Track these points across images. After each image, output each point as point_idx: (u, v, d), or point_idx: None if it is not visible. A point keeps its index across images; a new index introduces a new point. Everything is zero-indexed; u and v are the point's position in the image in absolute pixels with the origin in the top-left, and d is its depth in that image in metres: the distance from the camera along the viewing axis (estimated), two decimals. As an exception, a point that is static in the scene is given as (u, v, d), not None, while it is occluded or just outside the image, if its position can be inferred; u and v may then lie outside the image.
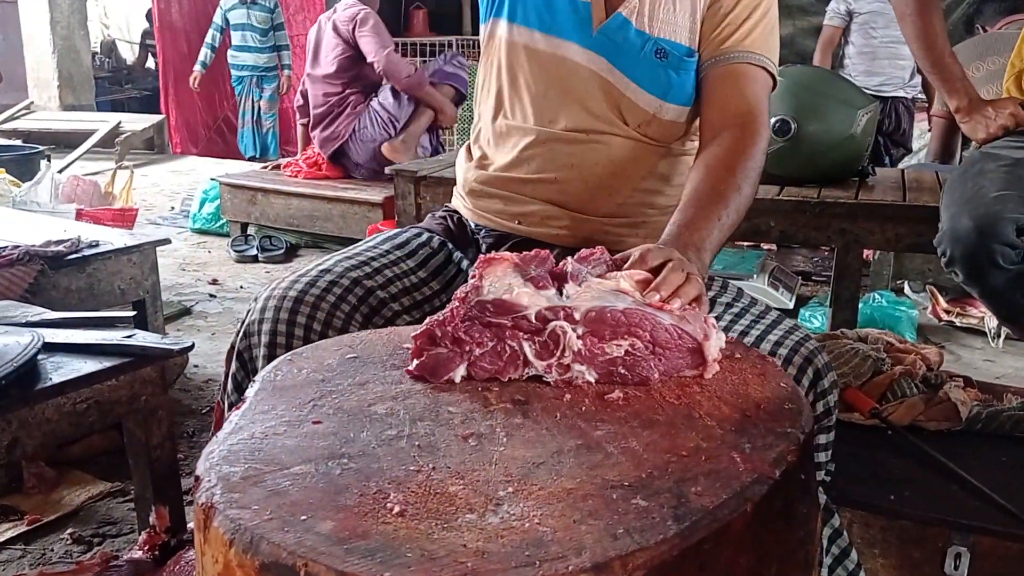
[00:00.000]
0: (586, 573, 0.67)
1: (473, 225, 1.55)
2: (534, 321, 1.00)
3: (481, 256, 1.07)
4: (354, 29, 4.59)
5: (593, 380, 1.01)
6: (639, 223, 1.49)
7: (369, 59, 4.54)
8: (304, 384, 1.01)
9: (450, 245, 1.51)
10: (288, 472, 0.81)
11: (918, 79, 4.98)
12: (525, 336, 1.00)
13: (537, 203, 1.47)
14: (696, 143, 1.48)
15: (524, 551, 0.69)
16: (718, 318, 1.29)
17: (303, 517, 0.73)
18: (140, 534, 1.64)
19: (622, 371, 1.02)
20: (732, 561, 0.78)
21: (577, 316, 1.01)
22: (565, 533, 0.72)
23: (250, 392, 0.99)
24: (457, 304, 1.02)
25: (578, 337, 1.01)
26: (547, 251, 1.09)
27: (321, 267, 1.36)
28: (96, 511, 2.05)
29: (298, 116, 5.26)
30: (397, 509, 0.75)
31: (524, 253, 1.07)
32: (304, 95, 4.94)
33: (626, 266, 1.09)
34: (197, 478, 0.81)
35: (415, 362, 1.01)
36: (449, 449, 0.86)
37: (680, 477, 0.82)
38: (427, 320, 1.02)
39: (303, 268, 1.37)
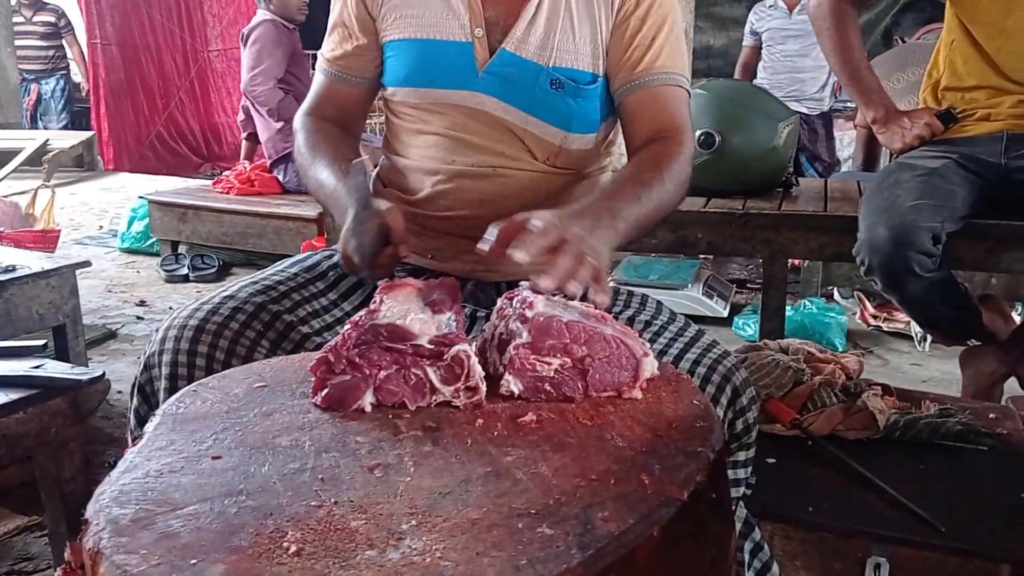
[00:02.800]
0: (485, 609, 0.66)
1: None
2: (428, 346, 0.99)
3: (383, 282, 1.05)
4: (246, 44, 4.53)
5: (518, 391, 1.01)
6: None
7: (245, 76, 4.50)
8: (207, 415, 0.98)
9: None
10: (181, 513, 0.78)
11: (826, 92, 5.12)
12: (428, 362, 0.99)
13: (449, 238, 1.43)
14: (609, 159, 1.49)
15: (423, 588, 0.68)
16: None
17: (193, 561, 0.70)
18: (55, 571, 1.58)
19: (548, 388, 1.02)
20: (641, 586, 0.77)
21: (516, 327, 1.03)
22: (467, 567, 0.70)
23: (149, 427, 0.96)
24: (350, 328, 1.00)
25: (517, 346, 1.01)
26: (454, 279, 1.08)
27: (224, 293, 1.32)
28: (12, 546, 1.97)
29: (241, 131, 5.17)
30: (294, 548, 0.72)
31: (429, 279, 1.06)
32: (246, 110, 4.85)
33: (527, 243, 1.06)
34: (85, 521, 0.78)
35: (320, 394, 0.99)
36: (353, 482, 0.84)
37: (588, 503, 0.81)
38: (323, 348, 1.00)
39: (206, 296, 1.33)
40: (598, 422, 0.97)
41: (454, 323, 1.02)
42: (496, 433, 0.94)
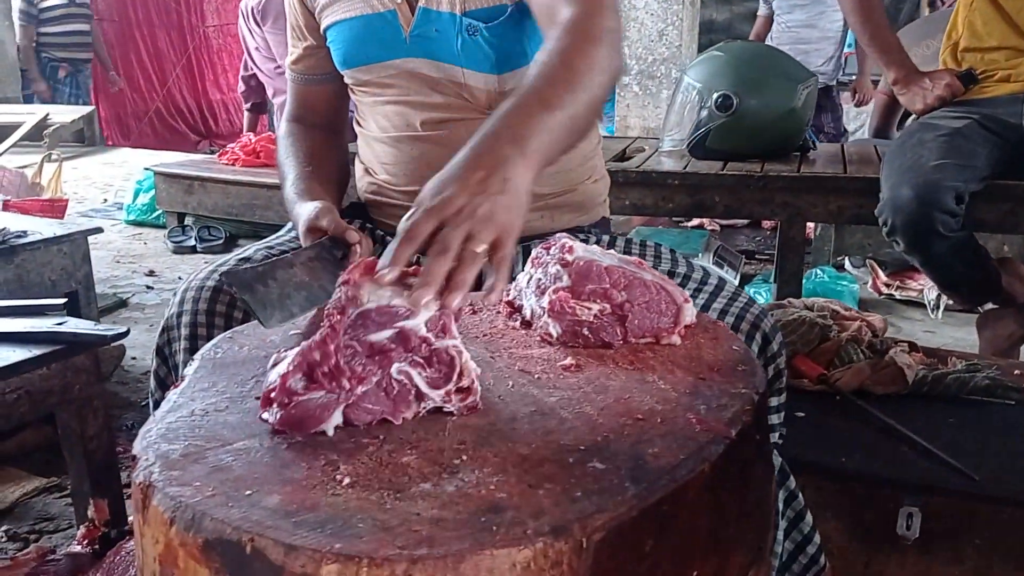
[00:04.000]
0: (544, 537, 0.65)
1: (379, 230, 1.49)
2: (423, 336, 0.83)
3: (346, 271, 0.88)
4: (259, 23, 4.43)
5: (556, 335, 1.00)
6: (541, 205, 1.40)
7: (280, 61, 4.37)
8: (246, 360, 0.97)
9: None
10: (231, 448, 0.77)
11: (832, 65, 5.08)
12: (414, 363, 0.83)
13: None
14: None
15: (480, 517, 0.67)
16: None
17: (248, 492, 0.70)
18: (78, 528, 1.58)
19: (586, 333, 1.00)
20: (691, 522, 0.77)
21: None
22: (522, 498, 0.70)
23: (189, 370, 0.95)
24: (332, 325, 0.82)
25: (557, 289, 1.00)
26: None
27: (240, 256, 1.34)
28: (31, 507, 1.97)
29: (244, 103, 5.13)
30: (347, 481, 0.72)
31: None
32: (246, 80, 4.81)
33: (390, 250, 0.85)
34: (134, 457, 0.77)
35: (274, 411, 0.80)
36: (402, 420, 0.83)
37: (636, 440, 0.80)
38: (297, 351, 0.82)
39: (221, 259, 1.34)
40: (638, 366, 0.96)
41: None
42: (537, 376, 0.94)
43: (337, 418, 0.80)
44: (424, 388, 0.83)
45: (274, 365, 0.83)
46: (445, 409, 0.84)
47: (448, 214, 0.85)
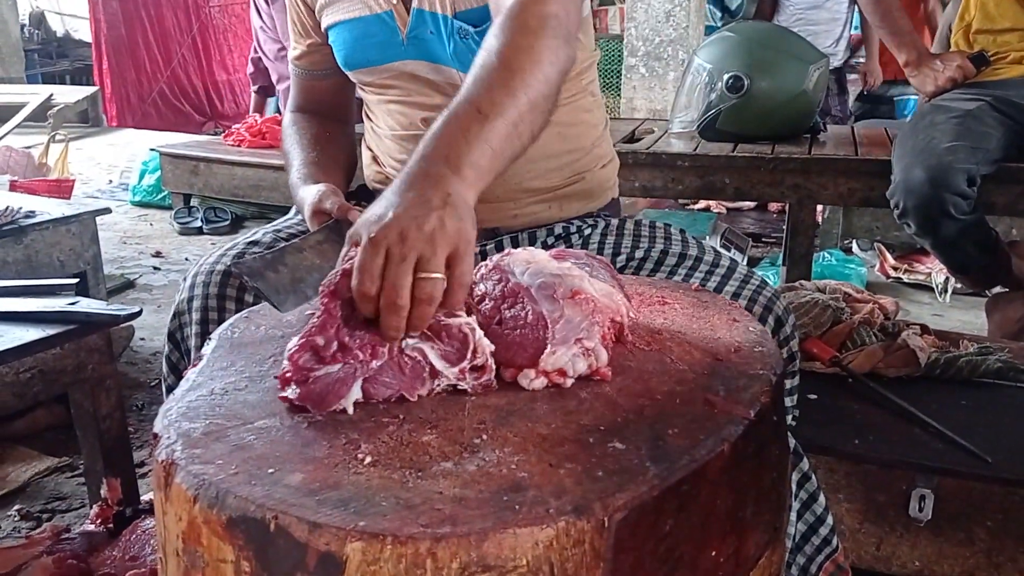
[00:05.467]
0: (567, 516, 0.65)
1: None
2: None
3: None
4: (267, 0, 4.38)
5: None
6: (549, 196, 1.40)
7: (284, 43, 4.32)
8: (264, 340, 0.98)
9: None
10: (252, 426, 0.77)
11: (840, 47, 5.03)
12: (425, 337, 0.82)
13: None
14: (580, 80, 1.38)
15: (502, 496, 0.67)
16: (672, 271, 1.27)
17: (271, 470, 0.70)
18: (91, 508, 1.59)
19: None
20: (710, 502, 0.77)
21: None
22: (543, 478, 0.70)
23: (207, 349, 0.95)
24: (327, 309, 0.80)
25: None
26: None
27: (248, 239, 1.33)
28: (44, 487, 1.98)
29: (251, 84, 5.10)
30: (369, 459, 0.72)
31: None
32: (255, 62, 4.79)
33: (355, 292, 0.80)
34: (155, 435, 0.77)
35: (291, 389, 0.79)
36: (420, 400, 0.83)
37: (655, 420, 0.80)
38: (302, 332, 0.80)
39: (230, 243, 1.33)
40: (655, 348, 0.96)
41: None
42: (554, 357, 0.93)
43: (356, 392, 0.79)
44: (438, 364, 0.81)
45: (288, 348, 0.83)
46: (460, 387, 0.83)
47: (392, 241, 0.79)
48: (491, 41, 1.00)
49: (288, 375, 0.79)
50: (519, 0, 1.03)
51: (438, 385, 0.82)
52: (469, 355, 0.82)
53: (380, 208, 0.83)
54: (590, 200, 1.45)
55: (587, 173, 1.42)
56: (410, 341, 0.81)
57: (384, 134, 1.44)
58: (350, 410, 0.78)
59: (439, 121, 0.92)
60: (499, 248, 1.34)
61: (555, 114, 1.33)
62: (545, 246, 1.33)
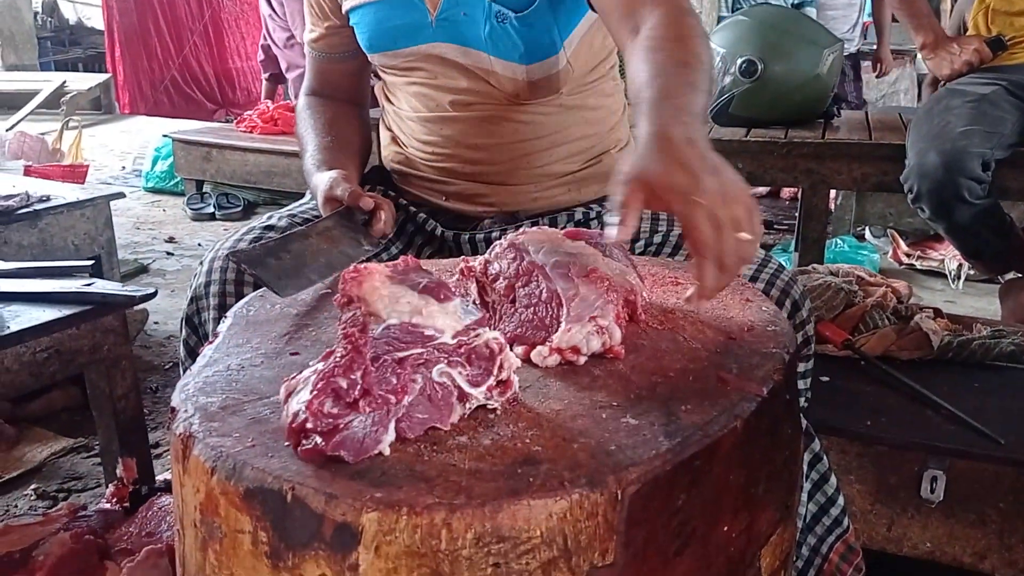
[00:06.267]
0: (580, 488, 0.66)
1: (403, 198, 1.47)
2: (453, 341, 0.77)
3: (344, 276, 0.80)
4: None
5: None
6: (569, 179, 1.41)
7: (293, 31, 4.30)
8: (279, 318, 0.98)
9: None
10: (268, 401, 0.78)
11: (856, 33, 4.99)
12: (452, 363, 0.76)
13: (460, 182, 1.41)
14: (604, 65, 1.41)
15: (517, 469, 0.68)
16: (689, 254, 1.27)
17: (287, 443, 0.71)
18: (107, 487, 1.61)
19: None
20: (722, 478, 0.77)
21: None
22: (557, 452, 0.71)
23: (222, 327, 0.96)
24: (355, 347, 0.72)
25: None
26: (413, 258, 0.86)
27: (264, 224, 1.33)
28: (60, 467, 2.00)
29: (262, 71, 5.11)
30: (384, 433, 0.72)
31: (390, 263, 0.84)
32: (266, 50, 4.79)
33: (616, 224, 0.83)
34: (173, 409, 0.78)
35: (314, 440, 0.68)
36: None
37: (669, 397, 0.81)
38: (314, 374, 0.72)
39: (246, 227, 1.34)
40: (668, 326, 0.97)
41: (473, 307, 0.81)
42: (567, 335, 0.94)
43: (391, 435, 0.71)
44: (467, 388, 0.76)
45: (289, 394, 0.72)
46: (489, 406, 0.77)
47: (716, 205, 0.80)
48: (669, 32, 1.05)
49: (308, 426, 0.68)
50: (691, 14, 1.10)
51: (468, 409, 0.77)
52: (495, 370, 0.78)
53: (682, 178, 0.82)
54: (607, 183, 1.43)
55: (605, 156, 1.43)
56: (439, 368, 0.76)
57: (407, 115, 1.44)
58: (386, 452, 0.70)
59: (657, 85, 0.95)
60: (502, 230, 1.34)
61: (580, 98, 1.34)
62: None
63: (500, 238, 1.07)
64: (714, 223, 0.80)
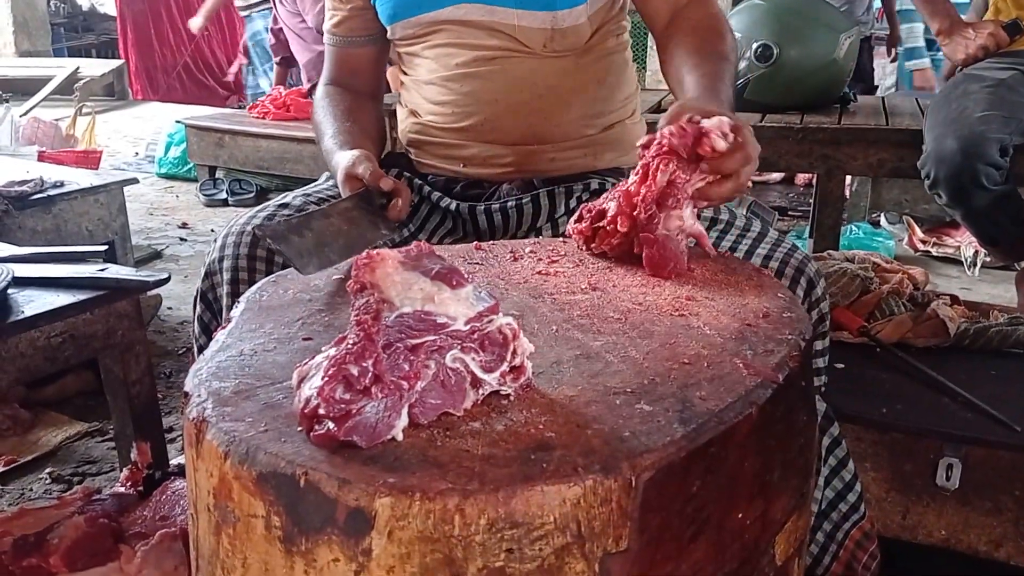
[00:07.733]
0: (594, 475, 0.66)
1: (417, 179, 1.49)
2: (466, 328, 0.76)
3: (357, 262, 0.79)
4: None
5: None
6: (585, 141, 1.44)
7: (304, 16, 4.28)
8: (291, 303, 0.98)
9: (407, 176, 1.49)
10: (281, 386, 0.78)
11: (870, 16, 4.94)
12: (466, 349, 0.76)
13: (477, 145, 1.43)
14: (618, 38, 1.46)
15: (530, 455, 0.67)
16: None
17: (300, 428, 0.70)
18: (121, 471, 1.62)
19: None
20: (738, 465, 0.77)
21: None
22: (571, 438, 0.70)
23: (235, 312, 0.96)
24: (368, 334, 0.71)
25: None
26: (426, 244, 0.84)
27: (279, 202, 1.34)
28: (74, 451, 2.02)
29: (273, 56, 5.11)
30: (397, 418, 0.72)
31: (402, 249, 0.82)
32: (276, 34, 4.79)
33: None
34: (186, 394, 0.78)
35: (326, 425, 0.68)
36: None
37: (683, 383, 0.80)
38: (326, 359, 0.71)
39: (261, 205, 1.35)
40: (683, 312, 0.96)
41: (486, 294, 0.79)
42: (581, 322, 0.94)
43: (404, 420, 0.71)
44: (480, 373, 0.76)
45: (301, 379, 0.72)
46: (502, 392, 0.77)
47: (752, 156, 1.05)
48: (704, 41, 1.31)
49: (320, 412, 0.68)
50: (717, 15, 1.36)
51: (481, 395, 0.76)
52: (509, 356, 0.77)
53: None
54: (621, 152, 1.48)
55: (619, 124, 1.46)
56: (452, 354, 0.75)
57: (424, 80, 1.45)
58: (399, 438, 0.70)
59: (698, 80, 1.22)
60: (535, 202, 1.36)
61: (594, 61, 1.41)
62: (579, 200, 1.34)
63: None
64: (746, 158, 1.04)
